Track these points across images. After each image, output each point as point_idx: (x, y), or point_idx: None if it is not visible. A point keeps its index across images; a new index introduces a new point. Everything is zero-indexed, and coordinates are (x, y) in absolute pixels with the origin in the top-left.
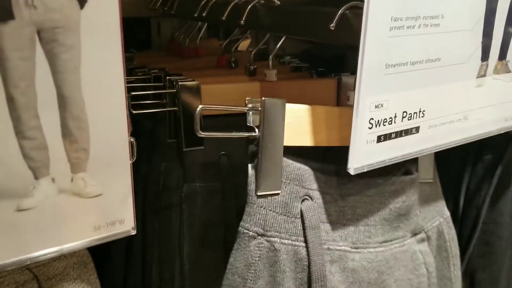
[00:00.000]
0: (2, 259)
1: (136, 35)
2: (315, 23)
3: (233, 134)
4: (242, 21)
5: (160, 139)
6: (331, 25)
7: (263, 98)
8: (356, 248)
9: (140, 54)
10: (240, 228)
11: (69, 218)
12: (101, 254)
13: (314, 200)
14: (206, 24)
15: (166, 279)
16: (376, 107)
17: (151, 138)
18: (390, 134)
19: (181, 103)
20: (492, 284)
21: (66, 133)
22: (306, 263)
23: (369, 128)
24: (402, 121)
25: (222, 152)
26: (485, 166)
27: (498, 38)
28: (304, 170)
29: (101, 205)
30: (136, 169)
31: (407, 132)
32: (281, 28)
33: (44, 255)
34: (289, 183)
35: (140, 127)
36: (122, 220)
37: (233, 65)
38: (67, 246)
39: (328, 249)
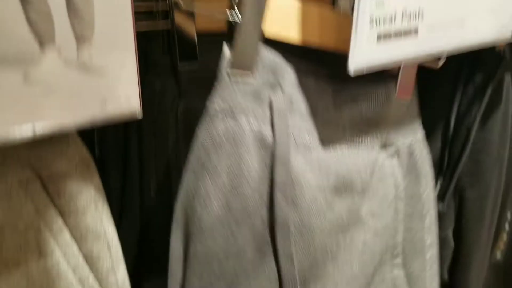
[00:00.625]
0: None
1: None
2: None
3: (215, 12)
4: None
5: (154, 56)
6: None
7: None
8: (322, 143)
9: None
10: (208, 104)
11: (76, 91)
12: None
13: (285, 93)
14: None
15: (162, 191)
16: (377, 4)
17: (144, 56)
18: (390, 34)
19: (174, 16)
20: (480, 201)
21: (70, 3)
22: (271, 147)
23: (370, 24)
24: (402, 20)
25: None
26: (476, 86)
27: None
28: (281, 63)
29: (106, 80)
30: None
31: (407, 33)
32: None
33: (53, 129)
34: (263, 69)
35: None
36: (129, 99)
37: None
38: (75, 120)
39: (294, 140)
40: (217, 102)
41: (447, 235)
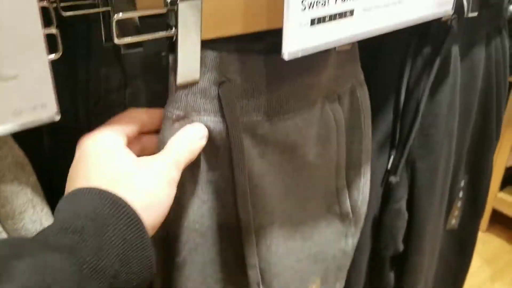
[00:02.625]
0: None
1: None
2: None
3: (150, 35)
4: None
5: (96, 43)
6: None
7: (177, 1)
8: (267, 116)
9: None
10: (164, 111)
11: None
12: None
13: (231, 82)
14: None
15: None
16: None
17: (87, 42)
18: (324, 17)
19: (114, 2)
20: (430, 172)
21: None
22: (224, 134)
23: (302, 10)
24: (335, 3)
25: (164, 54)
26: (424, 59)
27: None
28: (223, 57)
29: (18, 89)
30: (75, 75)
31: (342, 15)
32: None
33: None
34: (207, 71)
35: (76, 31)
36: (44, 105)
37: None
38: None
39: (242, 122)
40: (170, 111)
41: (401, 206)
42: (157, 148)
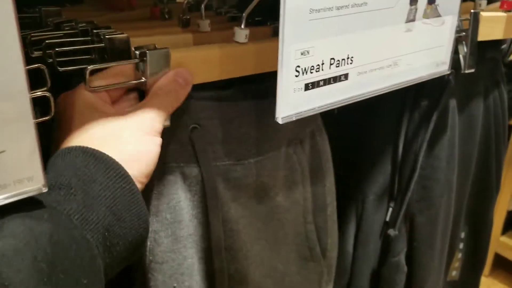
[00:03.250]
0: None
1: None
2: None
3: (122, 84)
4: None
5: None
6: None
7: (146, 51)
8: (238, 160)
9: (71, 9)
10: None
11: None
12: None
13: (202, 127)
14: None
15: None
16: (302, 54)
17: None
18: (318, 81)
19: (111, 58)
20: (430, 226)
21: None
22: (199, 179)
23: (296, 76)
24: (330, 68)
25: None
26: (421, 113)
27: None
28: (193, 104)
29: (3, 163)
30: None
31: (336, 79)
32: None
33: None
34: (177, 116)
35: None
36: (31, 178)
37: (166, 16)
38: None
39: (215, 165)
40: None
41: (400, 260)
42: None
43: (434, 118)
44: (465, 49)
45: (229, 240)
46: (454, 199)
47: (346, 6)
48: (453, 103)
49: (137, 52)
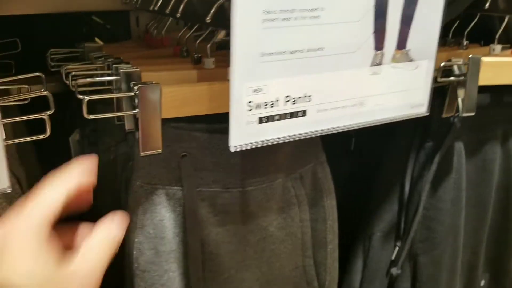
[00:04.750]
0: None
1: (114, 27)
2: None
3: (116, 113)
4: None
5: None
6: (207, 18)
7: (138, 85)
8: (226, 188)
9: (114, 45)
10: (132, 179)
11: None
12: None
13: (192, 155)
14: None
15: None
16: (255, 91)
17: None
18: (273, 116)
19: (122, 89)
20: (434, 267)
21: None
22: (182, 201)
23: (249, 110)
24: (285, 104)
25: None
26: (426, 153)
27: (394, 28)
28: (183, 133)
29: None
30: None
31: (293, 115)
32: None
33: None
34: (169, 144)
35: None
36: None
37: (185, 54)
38: None
39: (200, 191)
40: (137, 177)
41: None
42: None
43: (436, 159)
44: (463, 93)
45: (209, 262)
46: (467, 243)
47: (300, 50)
48: (459, 145)
49: (134, 87)
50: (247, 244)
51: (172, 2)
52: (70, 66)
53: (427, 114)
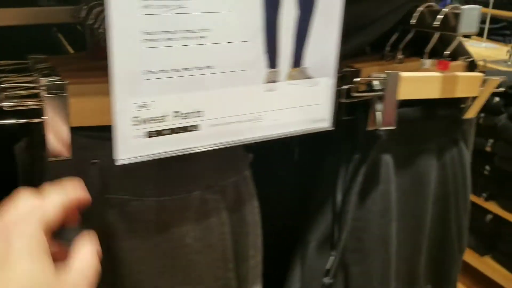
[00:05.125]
0: None
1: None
2: None
3: (25, 120)
4: None
5: None
6: None
7: (46, 96)
8: (137, 196)
9: (60, 57)
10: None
11: None
12: None
13: (102, 163)
14: None
15: None
16: (140, 106)
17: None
18: (162, 130)
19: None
20: (364, 278)
21: None
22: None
23: (134, 125)
24: (174, 119)
25: None
26: (354, 165)
27: (287, 47)
28: (94, 141)
29: None
30: None
31: (184, 129)
32: None
33: None
34: (79, 152)
35: None
36: None
37: None
38: None
39: (109, 198)
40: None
41: None
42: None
43: (362, 171)
44: (381, 107)
45: (119, 267)
46: (404, 255)
47: (187, 68)
48: (386, 158)
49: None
50: (161, 252)
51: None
52: (6, 78)
53: (331, 128)
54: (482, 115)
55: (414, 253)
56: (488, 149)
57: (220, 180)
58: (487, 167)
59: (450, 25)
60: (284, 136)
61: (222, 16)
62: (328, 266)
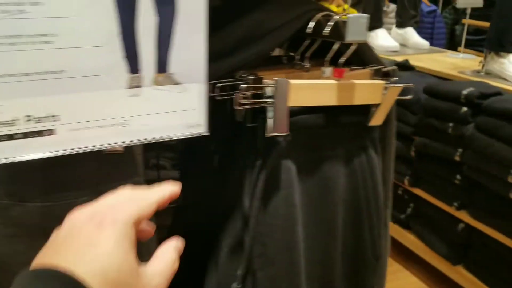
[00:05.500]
0: None
1: None
2: None
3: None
4: None
5: None
6: None
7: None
8: (21, 202)
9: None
10: None
11: None
12: None
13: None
14: None
15: None
16: None
17: None
18: (13, 135)
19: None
20: (270, 283)
21: None
22: None
23: None
24: (27, 123)
25: None
26: (256, 171)
27: (149, 53)
28: None
29: None
30: None
31: (39, 133)
32: None
33: None
34: None
35: None
36: None
37: None
38: None
39: None
40: None
41: None
42: None
43: (262, 177)
44: (272, 114)
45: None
46: (315, 260)
47: (36, 73)
48: (287, 163)
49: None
50: None
51: None
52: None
53: (207, 133)
54: (451, 124)
55: (327, 258)
56: (457, 158)
57: (109, 185)
58: (458, 176)
59: (339, 33)
60: (156, 141)
61: (69, 21)
62: (238, 271)
